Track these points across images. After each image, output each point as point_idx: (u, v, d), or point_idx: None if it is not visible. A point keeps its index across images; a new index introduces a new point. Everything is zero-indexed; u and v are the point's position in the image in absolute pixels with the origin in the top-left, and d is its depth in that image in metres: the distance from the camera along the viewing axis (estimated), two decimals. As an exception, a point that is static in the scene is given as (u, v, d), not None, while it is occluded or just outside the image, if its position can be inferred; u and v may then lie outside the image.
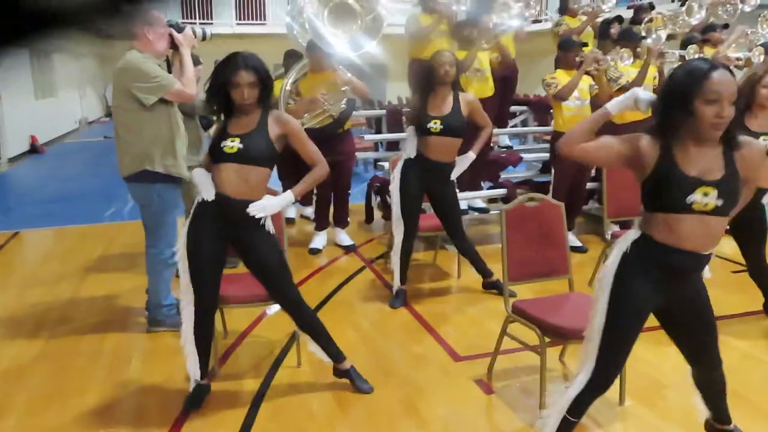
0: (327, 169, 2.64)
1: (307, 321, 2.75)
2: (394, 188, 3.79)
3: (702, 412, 2.25)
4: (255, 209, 2.48)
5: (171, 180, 3.19)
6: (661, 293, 1.94)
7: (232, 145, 2.45)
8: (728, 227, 3.25)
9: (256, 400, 2.71)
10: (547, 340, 2.49)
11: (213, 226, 2.54)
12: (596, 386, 1.96)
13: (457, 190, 3.94)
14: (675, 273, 1.92)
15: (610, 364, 1.95)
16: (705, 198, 1.81)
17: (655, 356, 2.92)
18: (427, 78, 3.68)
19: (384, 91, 15.99)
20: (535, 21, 6.26)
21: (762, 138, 3.01)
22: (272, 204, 2.53)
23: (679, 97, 1.80)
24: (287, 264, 2.70)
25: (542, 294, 2.96)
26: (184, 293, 2.61)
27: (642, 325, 1.97)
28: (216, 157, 2.50)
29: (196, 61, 4.06)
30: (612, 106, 1.98)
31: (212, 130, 2.95)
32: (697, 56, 4.23)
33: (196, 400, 2.65)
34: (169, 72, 3.22)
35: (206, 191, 2.51)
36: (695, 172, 1.82)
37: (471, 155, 3.73)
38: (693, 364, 2.14)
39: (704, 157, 1.84)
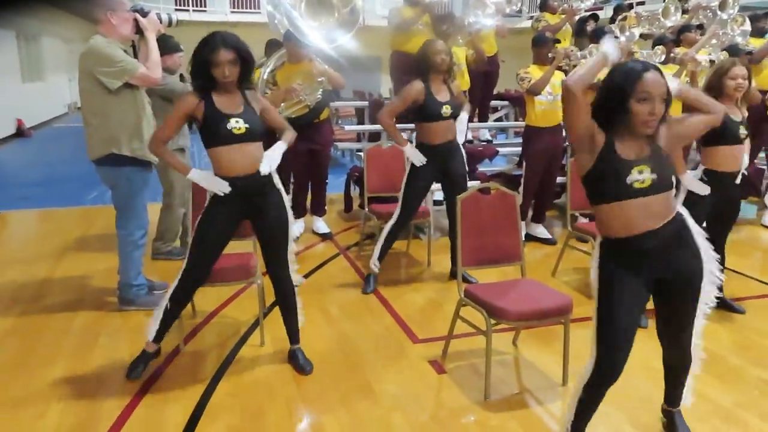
0: (294, 132, 2.84)
1: (287, 292, 2.87)
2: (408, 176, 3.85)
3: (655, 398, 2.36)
4: (266, 167, 2.63)
5: (139, 163, 3.26)
6: (645, 275, 2.02)
7: (239, 126, 2.55)
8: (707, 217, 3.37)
9: (216, 376, 2.81)
10: (493, 322, 2.60)
11: (231, 207, 2.66)
12: (602, 374, 2.06)
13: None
14: (646, 254, 2.00)
15: (610, 353, 2.04)
16: (641, 175, 1.93)
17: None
18: (423, 66, 3.73)
19: (378, 84, 16.04)
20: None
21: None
22: (275, 155, 2.68)
23: (615, 95, 1.93)
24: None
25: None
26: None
27: (635, 315, 2.05)
28: (222, 139, 2.56)
29: (176, 48, 4.14)
30: (611, 53, 2.07)
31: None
32: (663, 56, 4.34)
33: (137, 366, 2.77)
34: (136, 57, 3.27)
35: (219, 187, 2.60)
36: (631, 156, 1.96)
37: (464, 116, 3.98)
38: (666, 342, 2.22)
39: (636, 142, 1.98)
